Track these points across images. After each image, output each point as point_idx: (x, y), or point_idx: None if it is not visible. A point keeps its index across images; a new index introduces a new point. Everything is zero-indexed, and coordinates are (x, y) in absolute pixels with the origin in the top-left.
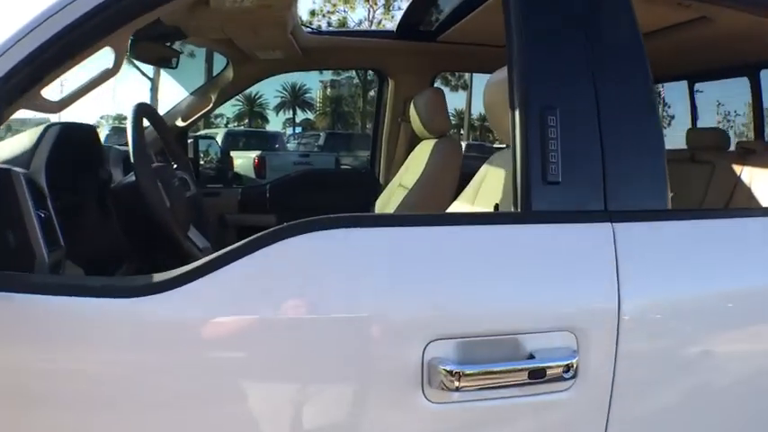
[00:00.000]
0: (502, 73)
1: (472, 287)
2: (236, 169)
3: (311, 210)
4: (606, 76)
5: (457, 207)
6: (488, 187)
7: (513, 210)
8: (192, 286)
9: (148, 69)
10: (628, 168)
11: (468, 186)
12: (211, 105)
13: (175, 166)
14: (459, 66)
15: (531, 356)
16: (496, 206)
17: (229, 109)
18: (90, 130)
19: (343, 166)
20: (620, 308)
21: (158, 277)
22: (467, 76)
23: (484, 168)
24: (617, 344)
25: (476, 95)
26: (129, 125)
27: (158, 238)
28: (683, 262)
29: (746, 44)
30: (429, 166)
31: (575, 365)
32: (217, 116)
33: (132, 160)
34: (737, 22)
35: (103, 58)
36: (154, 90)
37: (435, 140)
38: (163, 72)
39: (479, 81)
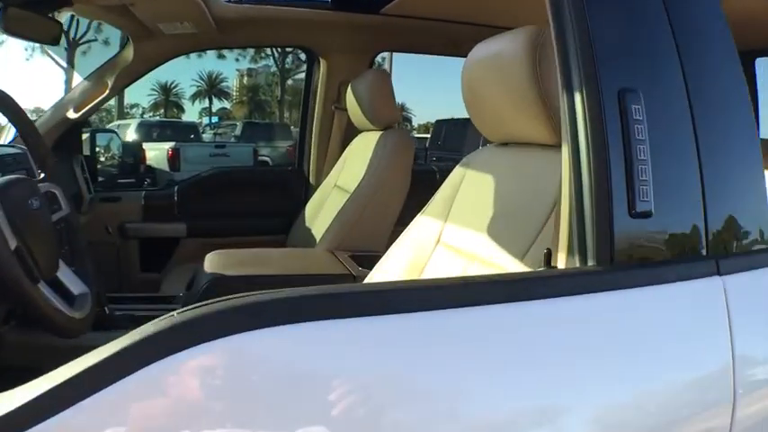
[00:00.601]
0: (490, 46)
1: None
2: (149, 162)
3: (227, 216)
4: (693, 55)
5: (424, 224)
6: (468, 199)
7: (577, 261)
8: None
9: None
10: (728, 186)
11: (436, 196)
12: (108, 92)
13: (42, 175)
14: (406, 44)
15: None
16: (548, 254)
17: (144, 98)
18: None
19: (261, 158)
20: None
21: None
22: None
23: (458, 173)
24: None
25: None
26: None
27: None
28: None
29: (746, 29)
30: (375, 165)
31: None
32: (132, 106)
33: None
34: (742, 4)
35: None
36: (69, 82)
37: (381, 133)
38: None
39: (400, 66)
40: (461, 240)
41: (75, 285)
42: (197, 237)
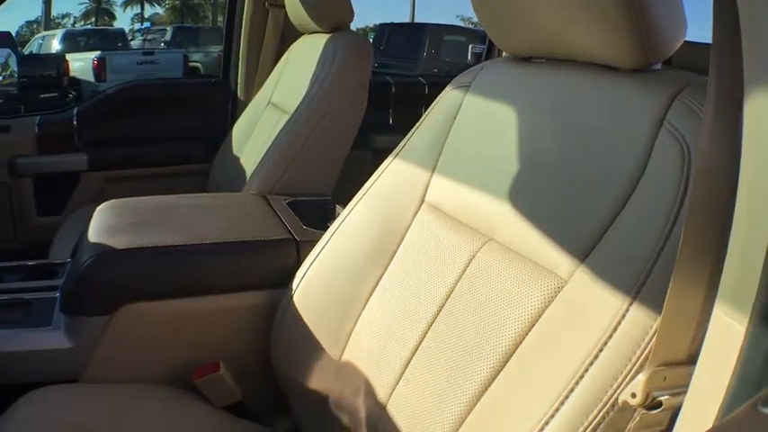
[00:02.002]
0: None
1: None
2: (73, 73)
3: (137, 142)
4: None
5: (399, 173)
6: (471, 141)
7: None
8: None
9: None
10: None
11: (417, 132)
12: None
13: None
14: None
15: None
16: None
17: (75, 7)
18: None
19: (192, 64)
20: None
21: None
22: None
23: (451, 98)
24: None
25: None
26: None
27: None
28: None
29: None
30: (321, 78)
31: None
32: (63, 16)
33: None
34: None
35: None
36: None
37: (328, 36)
38: None
39: None
40: (461, 204)
41: None
42: (101, 170)
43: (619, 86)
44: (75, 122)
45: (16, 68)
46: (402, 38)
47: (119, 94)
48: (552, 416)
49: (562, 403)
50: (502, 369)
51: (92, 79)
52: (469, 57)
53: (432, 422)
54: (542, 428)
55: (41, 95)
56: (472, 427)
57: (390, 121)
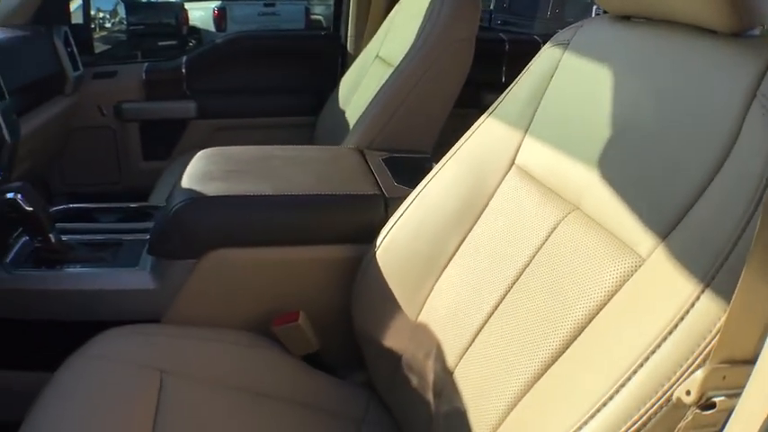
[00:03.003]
0: None
1: None
2: (193, 22)
3: (246, 92)
4: None
5: (492, 133)
6: (566, 102)
7: None
8: None
9: None
10: None
11: (513, 90)
12: None
13: None
14: None
15: None
16: None
17: None
18: None
19: (314, 16)
20: None
21: None
22: None
23: (550, 56)
24: None
25: None
26: None
27: None
28: None
29: None
30: (426, 33)
31: None
32: None
33: None
34: None
35: None
36: None
37: None
38: None
39: None
40: (550, 169)
41: None
42: (209, 118)
43: (714, 50)
44: (183, 70)
45: (125, 16)
46: None
47: (228, 44)
48: (605, 404)
49: (617, 391)
50: (569, 346)
51: (212, 29)
52: (593, 17)
53: (495, 393)
54: (593, 415)
55: (160, 43)
56: (531, 402)
57: (503, 80)
